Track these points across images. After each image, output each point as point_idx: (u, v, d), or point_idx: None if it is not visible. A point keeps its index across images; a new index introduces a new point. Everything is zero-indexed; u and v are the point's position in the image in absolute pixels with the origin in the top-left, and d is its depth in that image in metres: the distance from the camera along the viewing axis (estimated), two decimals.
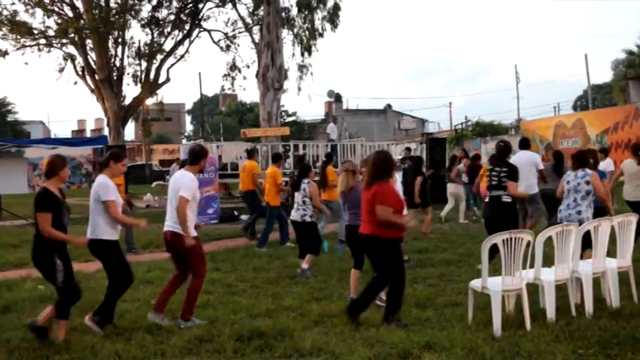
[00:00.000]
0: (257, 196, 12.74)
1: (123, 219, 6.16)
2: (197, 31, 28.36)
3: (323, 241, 10.73)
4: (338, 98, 56.34)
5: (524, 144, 10.56)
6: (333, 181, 11.02)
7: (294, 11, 25.00)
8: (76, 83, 27.28)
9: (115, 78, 26.39)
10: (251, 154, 13.73)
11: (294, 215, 8.94)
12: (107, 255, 5.92)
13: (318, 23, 24.69)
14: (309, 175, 9.08)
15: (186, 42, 28.26)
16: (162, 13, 27.66)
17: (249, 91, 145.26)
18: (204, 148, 6.74)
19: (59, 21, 25.91)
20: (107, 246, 5.87)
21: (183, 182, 6.12)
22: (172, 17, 27.75)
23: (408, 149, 21.36)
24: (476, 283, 5.89)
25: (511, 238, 5.57)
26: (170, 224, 6.22)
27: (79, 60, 26.49)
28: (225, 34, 28.59)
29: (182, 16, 27.78)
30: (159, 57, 27.63)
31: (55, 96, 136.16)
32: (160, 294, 6.39)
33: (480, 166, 14.07)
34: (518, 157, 9.93)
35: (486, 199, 8.37)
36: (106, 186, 5.87)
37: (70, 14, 25.61)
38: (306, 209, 8.84)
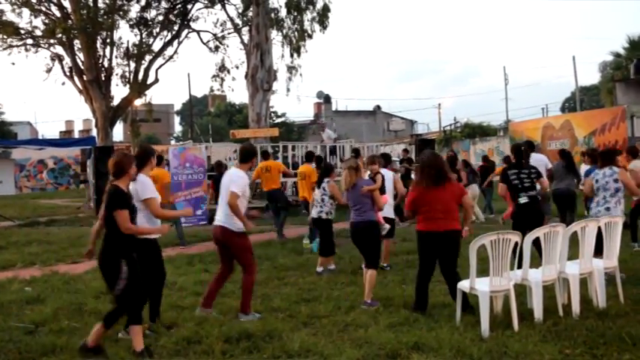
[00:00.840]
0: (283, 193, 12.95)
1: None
2: (186, 31, 28.26)
3: (314, 241, 10.76)
4: (327, 99, 56.42)
5: (531, 147, 10.60)
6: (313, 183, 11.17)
7: (284, 12, 24.98)
8: (63, 84, 27.10)
9: (103, 79, 26.22)
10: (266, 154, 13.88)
11: (313, 213, 9.24)
12: None
13: (307, 24, 24.66)
14: (331, 174, 9.22)
15: (175, 43, 28.16)
16: (151, 13, 27.55)
17: (238, 92, 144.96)
18: (255, 147, 7.06)
19: (47, 21, 25.72)
20: None
21: (234, 178, 6.38)
22: (161, 18, 27.63)
23: (406, 150, 21.43)
24: (464, 284, 5.91)
25: (499, 239, 5.60)
26: (220, 219, 6.42)
27: (67, 60, 26.32)
28: (214, 34, 28.53)
29: (171, 16, 27.67)
30: (147, 58, 27.48)
31: (42, 97, 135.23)
32: (208, 290, 6.63)
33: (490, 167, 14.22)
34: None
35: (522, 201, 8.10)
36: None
37: (58, 14, 25.42)
38: (323, 206, 9.08)
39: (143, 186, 5.73)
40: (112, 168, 5.35)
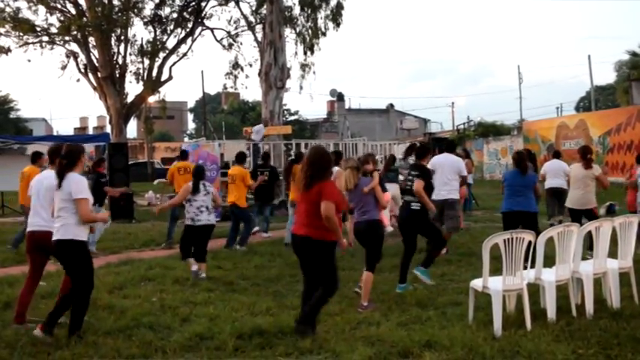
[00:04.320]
0: None
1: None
2: (200, 29, 28.32)
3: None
4: (340, 97, 56.39)
5: (451, 147, 10.29)
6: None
7: (297, 10, 25.00)
8: (78, 81, 27.26)
9: (117, 76, 26.35)
10: (183, 155, 13.28)
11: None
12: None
13: (320, 22, 24.67)
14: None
15: (189, 40, 28.22)
16: (165, 11, 27.64)
17: (251, 90, 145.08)
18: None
19: (62, 18, 25.89)
20: None
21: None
22: (175, 15, 27.72)
23: (371, 154, 21.26)
24: (477, 283, 5.90)
25: (512, 238, 5.58)
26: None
27: (82, 57, 26.47)
28: (228, 32, 28.56)
29: (185, 14, 27.74)
30: (161, 55, 27.58)
31: (57, 93, 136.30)
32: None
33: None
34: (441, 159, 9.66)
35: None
36: None
37: (73, 11, 25.58)
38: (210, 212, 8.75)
39: (78, 185, 5.55)
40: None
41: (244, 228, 11.14)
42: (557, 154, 11.49)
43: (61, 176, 5.55)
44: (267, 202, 12.95)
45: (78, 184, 5.53)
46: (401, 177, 15.24)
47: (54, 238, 5.57)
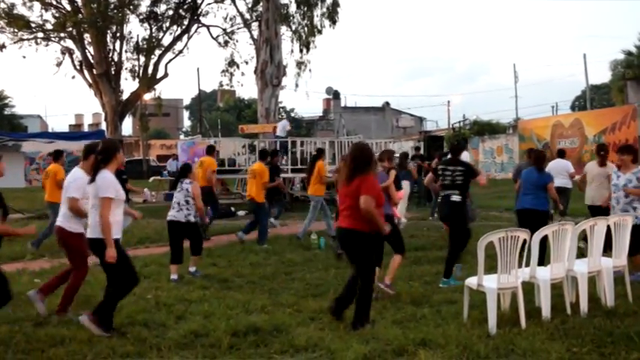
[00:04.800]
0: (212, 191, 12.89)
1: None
2: (196, 26, 28.33)
3: (319, 237, 10.78)
4: (336, 95, 56.33)
5: (561, 154, 10.80)
6: (323, 177, 11.28)
7: (293, 7, 24.99)
8: (73, 77, 27.28)
9: (113, 73, 26.34)
10: (210, 150, 13.55)
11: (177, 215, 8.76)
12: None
13: (317, 20, 24.67)
14: (189, 175, 8.90)
15: (185, 37, 28.24)
16: (161, 8, 27.65)
17: (247, 87, 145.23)
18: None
19: (57, 15, 25.86)
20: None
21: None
22: (171, 12, 27.72)
23: (418, 148, 21.42)
24: (471, 281, 5.90)
25: (507, 237, 5.59)
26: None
27: (77, 54, 26.47)
28: (224, 29, 28.54)
29: (181, 11, 27.72)
30: (157, 52, 27.58)
31: (52, 90, 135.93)
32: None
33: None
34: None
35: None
36: None
37: (68, 8, 25.55)
38: (189, 209, 8.56)
39: (105, 183, 5.50)
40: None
41: (260, 225, 11.27)
42: (561, 154, 11.58)
43: (95, 172, 5.54)
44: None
45: (104, 181, 5.48)
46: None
47: (88, 235, 5.58)
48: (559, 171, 10.94)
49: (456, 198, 7.73)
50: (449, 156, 9.52)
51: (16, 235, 5.63)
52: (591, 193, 9.37)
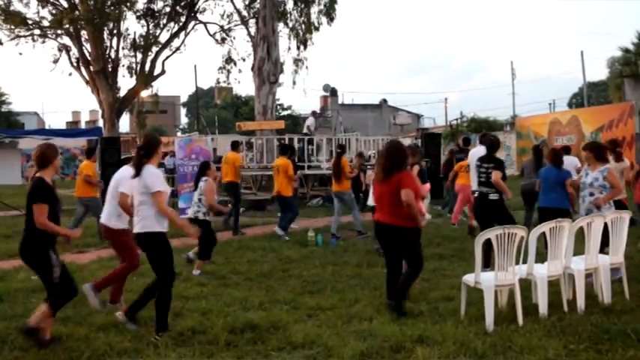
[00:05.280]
0: (239, 187, 13.03)
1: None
2: (193, 23, 28.19)
3: (316, 234, 10.78)
4: (333, 92, 56.27)
5: (567, 151, 10.96)
6: (348, 172, 11.60)
7: (290, 4, 24.89)
8: (70, 74, 27.14)
9: (110, 70, 26.25)
10: (234, 146, 13.70)
11: (190, 213, 8.99)
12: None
13: (314, 17, 24.57)
14: (208, 172, 8.99)
15: (182, 34, 28.10)
16: (158, 4, 27.51)
17: (244, 85, 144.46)
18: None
19: (54, 11, 25.74)
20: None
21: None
22: (168, 9, 27.59)
23: (416, 146, 21.41)
24: (469, 278, 5.91)
25: (504, 234, 5.59)
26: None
27: (74, 51, 26.34)
28: (221, 26, 28.44)
29: (178, 8, 27.62)
30: (154, 49, 27.48)
31: (49, 87, 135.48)
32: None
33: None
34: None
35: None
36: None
37: (65, 5, 25.42)
38: (200, 207, 8.70)
39: (153, 178, 5.52)
40: (37, 158, 5.31)
41: (286, 216, 11.61)
42: (567, 150, 11.59)
43: (138, 167, 5.53)
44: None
45: (153, 177, 5.49)
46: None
47: (135, 230, 5.60)
48: (567, 167, 11.00)
49: (493, 196, 7.77)
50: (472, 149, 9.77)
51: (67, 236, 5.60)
52: None
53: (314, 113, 21.92)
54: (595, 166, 7.43)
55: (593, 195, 7.32)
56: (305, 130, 20.57)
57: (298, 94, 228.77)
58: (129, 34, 27.53)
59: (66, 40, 26.53)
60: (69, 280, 5.37)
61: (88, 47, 25.81)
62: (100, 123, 29.40)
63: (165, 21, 27.67)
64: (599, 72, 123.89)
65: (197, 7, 27.87)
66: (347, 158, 13.09)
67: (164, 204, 5.48)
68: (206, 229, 8.56)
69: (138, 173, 5.50)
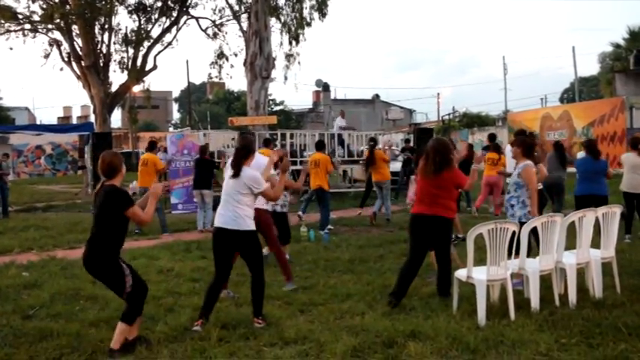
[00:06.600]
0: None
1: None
2: (185, 18, 28.02)
3: (309, 230, 10.79)
4: (326, 88, 56.34)
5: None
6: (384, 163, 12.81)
7: (283, 0, 24.84)
8: (61, 69, 26.93)
9: (101, 65, 26.06)
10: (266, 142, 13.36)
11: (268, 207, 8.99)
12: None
13: (306, 12, 24.49)
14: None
15: (174, 29, 27.92)
16: None
17: (236, 80, 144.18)
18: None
19: (44, 6, 25.51)
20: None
21: None
22: (159, 4, 27.40)
23: (408, 141, 21.48)
24: (461, 273, 5.92)
25: (496, 228, 5.60)
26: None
27: (65, 46, 26.13)
28: (213, 21, 28.29)
29: (169, 2, 27.43)
30: (146, 44, 27.29)
31: (40, 82, 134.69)
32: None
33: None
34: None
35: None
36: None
37: None
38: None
39: (256, 178, 5.72)
40: (106, 168, 5.13)
41: (324, 212, 11.94)
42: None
43: (237, 167, 5.67)
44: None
45: (253, 178, 5.69)
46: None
47: (230, 227, 5.65)
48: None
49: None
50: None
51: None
52: (631, 181, 9.89)
53: (342, 113, 22.48)
54: (519, 162, 7.00)
55: (510, 193, 6.88)
56: (337, 131, 20.92)
57: (290, 90, 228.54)
58: (120, 29, 27.33)
59: (57, 35, 26.31)
60: (138, 280, 5.16)
61: (79, 42, 25.62)
62: (92, 118, 29.26)
63: (156, 16, 27.49)
64: (590, 67, 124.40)
65: (189, 1, 27.70)
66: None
67: (271, 195, 5.98)
68: (281, 221, 8.57)
69: (237, 174, 5.65)
